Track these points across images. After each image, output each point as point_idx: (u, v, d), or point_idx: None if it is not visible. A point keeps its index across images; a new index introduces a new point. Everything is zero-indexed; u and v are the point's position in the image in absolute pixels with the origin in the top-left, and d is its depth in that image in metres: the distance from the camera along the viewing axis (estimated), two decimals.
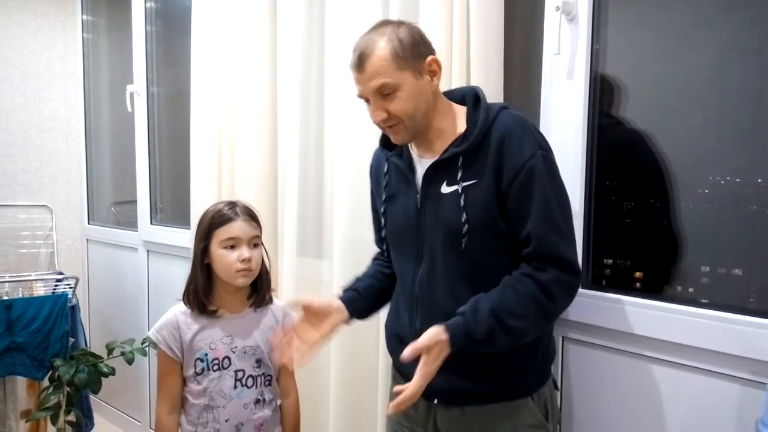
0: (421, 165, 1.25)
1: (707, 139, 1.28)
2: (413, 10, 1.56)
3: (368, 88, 1.17)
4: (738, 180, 1.23)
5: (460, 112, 1.25)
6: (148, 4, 2.82)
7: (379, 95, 1.17)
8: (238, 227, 1.46)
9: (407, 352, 1.08)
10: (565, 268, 1.14)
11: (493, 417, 1.23)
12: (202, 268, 1.48)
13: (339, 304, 1.33)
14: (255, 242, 1.49)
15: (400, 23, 1.20)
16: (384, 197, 1.33)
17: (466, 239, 1.17)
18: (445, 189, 1.20)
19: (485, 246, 1.18)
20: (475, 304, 1.13)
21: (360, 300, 1.36)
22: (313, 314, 1.30)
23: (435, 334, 1.10)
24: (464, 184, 1.17)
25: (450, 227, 1.18)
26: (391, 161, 1.32)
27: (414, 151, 1.30)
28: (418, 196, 1.24)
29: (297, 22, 1.89)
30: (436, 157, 1.21)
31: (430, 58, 1.19)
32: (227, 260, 1.45)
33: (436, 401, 1.28)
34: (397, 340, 1.33)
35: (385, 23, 1.21)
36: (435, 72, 1.20)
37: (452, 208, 1.18)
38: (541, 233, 1.13)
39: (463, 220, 1.16)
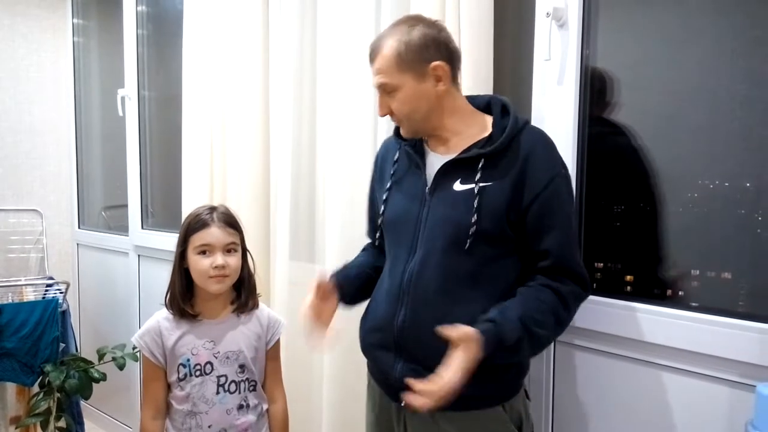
0: (434, 159, 1.28)
1: (696, 144, 1.29)
2: (404, 13, 1.57)
3: (375, 83, 1.24)
4: (727, 184, 1.24)
5: (481, 117, 1.28)
6: (139, 8, 2.81)
7: (382, 91, 1.23)
8: (211, 234, 1.45)
9: (440, 329, 1.09)
10: (581, 283, 1.19)
11: (463, 424, 1.22)
12: (181, 272, 1.48)
13: (332, 286, 1.33)
14: (230, 248, 1.47)
15: (417, 23, 1.22)
16: (389, 184, 1.34)
17: (471, 239, 1.18)
18: (459, 187, 1.21)
19: (488, 249, 1.19)
20: (502, 312, 1.13)
21: (352, 284, 1.38)
22: (322, 293, 1.31)
23: (465, 331, 1.08)
24: (482, 184, 1.19)
25: (457, 225, 1.19)
26: (403, 149, 1.34)
27: (427, 145, 1.32)
28: (427, 188, 1.25)
29: (289, 25, 1.89)
30: (452, 154, 1.24)
31: (435, 63, 1.20)
32: (200, 266, 1.44)
33: (404, 404, 1.27)
34: (375, 332, 1.31)
35: (404, 21, 1.24)
36: (440, 77, 1.21)
37: (464, 207, 1.19)
38: (563, 250, 1.17)
39: (473, 220, 1.17)
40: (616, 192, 1.41)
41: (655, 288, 1.34)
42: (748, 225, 1.22)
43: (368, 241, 1.50)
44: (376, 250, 1.46)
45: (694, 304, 1.27)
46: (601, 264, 1.42)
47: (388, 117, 1.58)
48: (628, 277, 1.38)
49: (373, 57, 1.22)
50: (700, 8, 1.29)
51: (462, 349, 1.08)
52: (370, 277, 1.41)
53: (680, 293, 1.30)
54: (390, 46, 1.19)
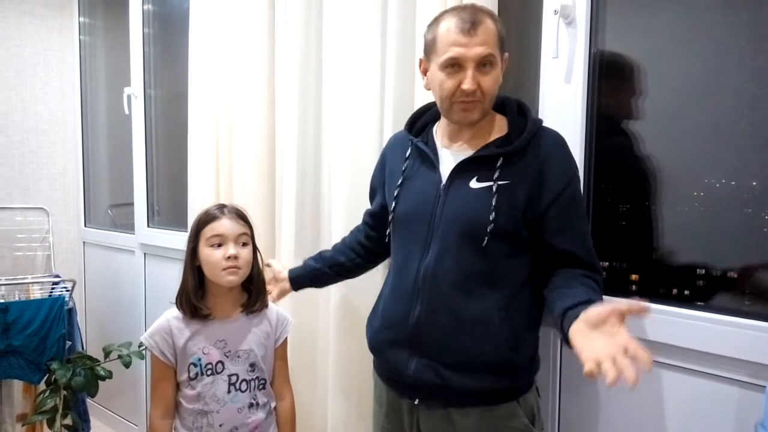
0: (448, 156, 1.28)
1: (703, 142, 1.29)
2: (410, 12, 1.57)
3: (474, 53, 1.16)
4: (733, 183, 1.23)
5: (494, 116, 1.29)
6: (146, 7, 2.81)
7: (479, 65, 1.17)
8: (223, 225, 1.45)
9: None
10: (602, 277, 1.23)
11: (478, 420, 1.23)
12: (193, 270, 1.47)
13: (286, 275, 1.63)
14: (242, 240, 1.47)
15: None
16: (400, 180, 1.34)
17: (488, 238, 1.18)
18: (475, 184, 1.21)
19: (504, 246, 1.20)
20: (589, 298, 1.07)
21: (306, 278, 1.62)
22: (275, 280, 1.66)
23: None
24: (500, 183, 1.19)
25: (474, 223, 1.19)
26: (416, 145, 1.34)
27: (439, 140, 1.32)
28: (442, 184, 1.25)
29: (295, 24, 1.89)
30: (466, 152, 1.25)
31: (507, 54, 1.24)
32: (213, 258, 1.43)
33: (417, 401, 1.28)
34: (386, 330, 1.32)
35: (479, 6, 1.24)
36: (504, 69, 1.24)
37: (481, 205, 1.19)
38: (588, 248, 1.22)
39: (490, 218, 1.18)
40: (622, 190, 1.41)
41: (661, 287, 1.33)
42: (754, 224, 1.21)
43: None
44: (354, 242, 1.57)
45: (700, 303, 1.26)
46: (607, 263, 1.41)
47: (392, 114, 1.61)
48: (634, 276, 1.37)
49: (476, 26, 1.15)
50: (707, 6, 1.29)
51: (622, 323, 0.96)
52: (324, 274, 1.60)
53: (686, 292, 1.30)
54: (493, 23, 1.18)
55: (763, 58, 1.19)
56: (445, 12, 1.23)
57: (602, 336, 0.95)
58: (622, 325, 0.95)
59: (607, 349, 0.90)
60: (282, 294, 1.66)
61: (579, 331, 0.99)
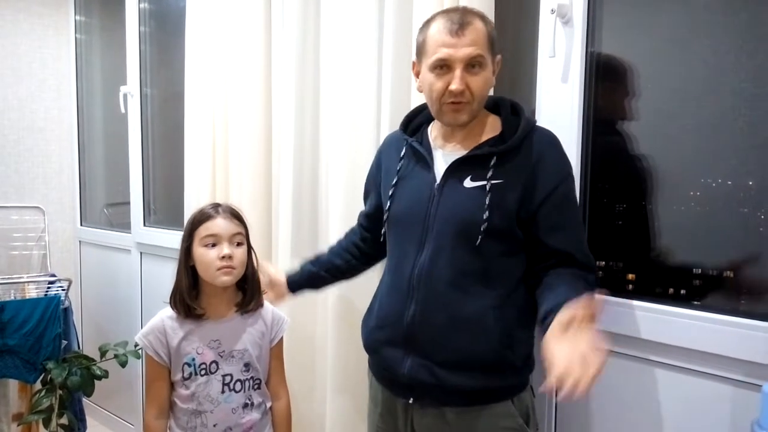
0: (442, 155, 1.28)
1: (700, 142, 1.29)
2: (407, 12, 1.57)
3: (462, 54, 1.16)
4: (730, 182, 1.23)
5: (488, 116, 1.29)
6: (142, 5, 2.81)
7: (467, 66, 1.18)
8: (217, 224, 1.44)
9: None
10: (596, 276, 1.22)
11: (472, 419, 1.23)
12: (187, 270, 1.47)
13: (283, 280, 1.59)
14: (237, 240, 1.46)
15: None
16: (395, 179, 1.34)
17: (482, 236, 1.18)
18: (469, 183, 1.22)
19: (497, 245, 1.21)
20: (568, 295, 1.08)
21: (303, 281, 1.59)
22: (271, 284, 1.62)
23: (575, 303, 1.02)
24: (493, 182, 1.19)
25: (468, 222, 1.20)
26: (410, 145, 1.34)
27: (433, 141, 1.32)
28: (436, 184, 1.25)
29: (292, 23, 1.89)
30: (460, 151, 1.25)
31: (499, 56, 1.24)
32: (207, 258, 1.43)
33: (411, 400, 1.28)
34: (382, 329, 1.32)
35: (471, 9, 1.25)
36: (496, 71, 1.24)
37: (474, 205, 1.20)
38: (581, 246, 1.21)
39: (484, 217, 1.18)
40: (618, 190, 1.41)
41: (657, 286, 1.33)
42: (750, 223, 1.21)
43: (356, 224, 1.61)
44: (350, 244, 1.56)
45: (696, 302, 1.26)
46: (603, 262, 1.41)
47: (389, 114, 1.60)
48: (630, 276, 1.37)
49: (464, 27, 1.16)
50: (706, 5, 1.29)
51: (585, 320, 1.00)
52: (321, 278, 1.57)
53: (682, 291, 1.30)
54: (483, 24, 1.19)
55: (761, 57, 1.19)
56: (436, 14, 1.23)
57: (567, 340, 0.98)
58: (588, 325, 0.99)
59: (569, 358, 0.94)
60: (279, 298, 1.63)
61: (548, 338, 1.01)
